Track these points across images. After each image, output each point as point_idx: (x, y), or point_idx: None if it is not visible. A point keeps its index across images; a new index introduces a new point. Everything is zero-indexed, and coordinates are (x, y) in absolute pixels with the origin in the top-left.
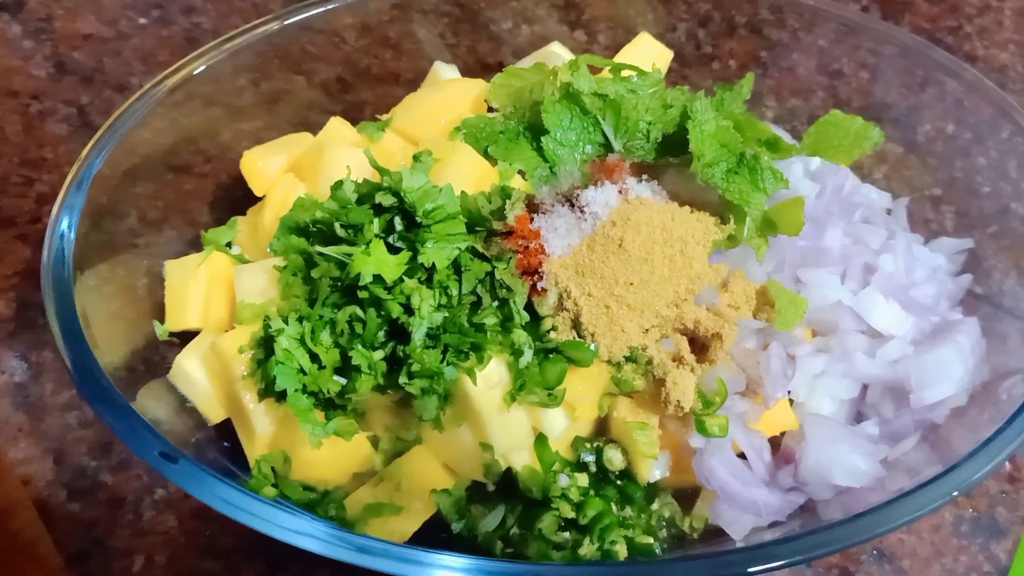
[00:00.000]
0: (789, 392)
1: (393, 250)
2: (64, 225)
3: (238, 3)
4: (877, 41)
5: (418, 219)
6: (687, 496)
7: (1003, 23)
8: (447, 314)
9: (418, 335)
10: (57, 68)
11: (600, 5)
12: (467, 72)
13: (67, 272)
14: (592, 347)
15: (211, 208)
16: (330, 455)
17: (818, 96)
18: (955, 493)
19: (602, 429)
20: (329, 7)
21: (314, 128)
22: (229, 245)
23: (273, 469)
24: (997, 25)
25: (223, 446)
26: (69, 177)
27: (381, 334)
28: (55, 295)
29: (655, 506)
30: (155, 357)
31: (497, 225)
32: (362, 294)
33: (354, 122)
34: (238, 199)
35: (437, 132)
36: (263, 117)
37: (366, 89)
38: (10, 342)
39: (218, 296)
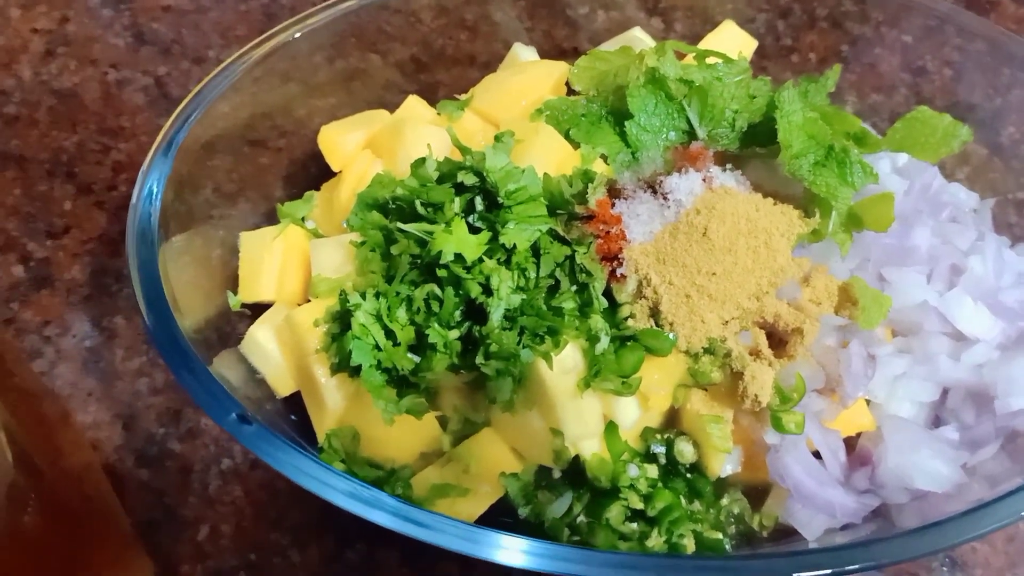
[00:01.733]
0: (867, 392)
1: (473, 230)
2: (153, 186)
3: None
4: (963, 35)
5: (500, 200)
6: (756, 493)
7: None
8: (525, 296)
9: (496, 316)
10: (136, 38)
11: None
12: (544, 56)
13: (152, 235)
14: (671, 336)
15: (285, 183)
16: (399, 433)
17: (900, 93)
18: None
19: (672, 421)
20: None
21: (389, 107)
22: (304, 219)
23: (342, 444)
24: None
25: (291, 419)
26: (157, 142)
27: (457, 313)
28: (140, 258)
29: (724, 501)
30: (227, 328)
31: (579, 209)
32: (441, 272)
33: (429, 102)
34: (313, 175)
35: (518, 114)
36: (339, 95)
37: (441, 70)
38: (84, 306)
39: (293, 269)
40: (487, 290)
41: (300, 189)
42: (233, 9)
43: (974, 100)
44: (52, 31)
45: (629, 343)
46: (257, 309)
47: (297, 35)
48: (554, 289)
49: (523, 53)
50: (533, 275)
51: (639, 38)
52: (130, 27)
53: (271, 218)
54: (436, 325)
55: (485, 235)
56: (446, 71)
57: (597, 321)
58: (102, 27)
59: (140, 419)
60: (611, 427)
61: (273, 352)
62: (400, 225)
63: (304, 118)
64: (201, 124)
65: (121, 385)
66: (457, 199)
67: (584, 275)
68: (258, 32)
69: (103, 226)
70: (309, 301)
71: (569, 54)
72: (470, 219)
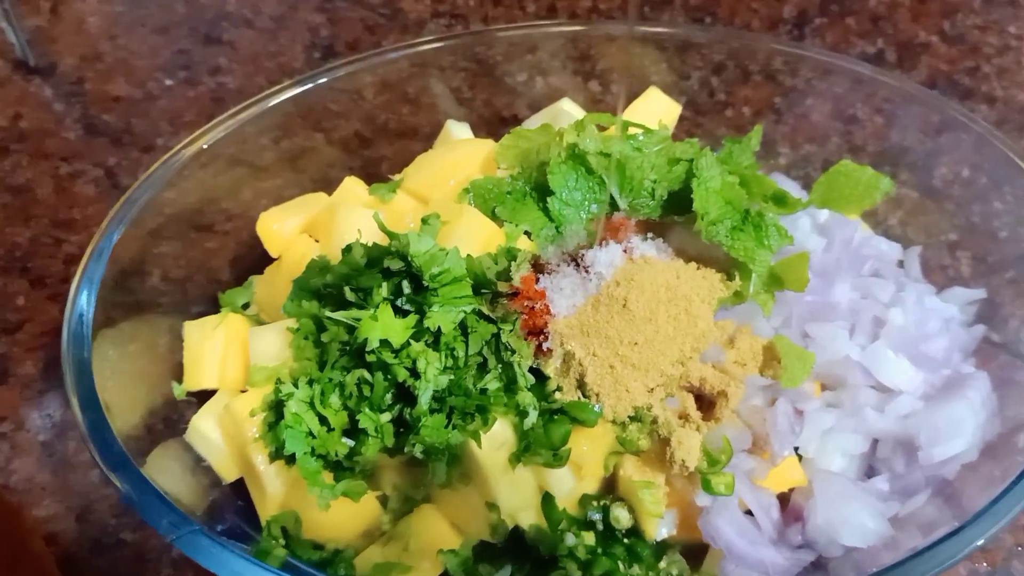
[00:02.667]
0: (798, 448)
1: (402, 312)
2: (83, 301)
3: (264, 63)
4: (890, 93)
5: (425, 282)
6: (696, 553)
7: (1022, 62)
8: (453, 376)
9: (424, 398)
10: (87, 130)
11: (614, 56)
12: (484, 125)
13: (84, 340)
14: (597, 407)
15: (232, 266)
16: (340, 515)
17: (833, 142)
18: (968, 551)
19: (610, 486)
20: (351, 67)
21: (334, 185)
22: (247, 306)
23: (285, 528)
24: (1016, 65)
25: (238, 504)
26: (89, 249)
27: (388, 397)
28: (75, 375)
29: (663, 564)
30: (174, 415)
31: (502, 287)
32: (370, 358)
33: (372, 178)
34: (259, 256)
35: (447, 192)
36: (285, 175)
37: (384, 144)
38: (37, 400)
39: (234, 357)
40: (415, 373)
41: (247, 271)
42: (182, 96)
43: (906, 144)
44: (6, 128)
45: (557, 416)
46: (204, 396)
47: (242, 120)
48: (483, 366)
49: (455, 130)
50: (462, 354)
51: (566, 110)
52: (81, 119)
53: (219, 303)
54: (367, 410)
55: (412, 318)
56: (389, 145)
57: (525, 396)
58: (54, 121)
59: (94, 510)
60: (547, 498)
61: (216, 440)
62: (328, 313)
63: (251, 200)
64: (146, 213)
65: (74, 477)
66: (385, 284)
67: (509, 353)
68: (207, 117)
69: (56, 319)
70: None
71: (509, 122)
72: (399, 302)
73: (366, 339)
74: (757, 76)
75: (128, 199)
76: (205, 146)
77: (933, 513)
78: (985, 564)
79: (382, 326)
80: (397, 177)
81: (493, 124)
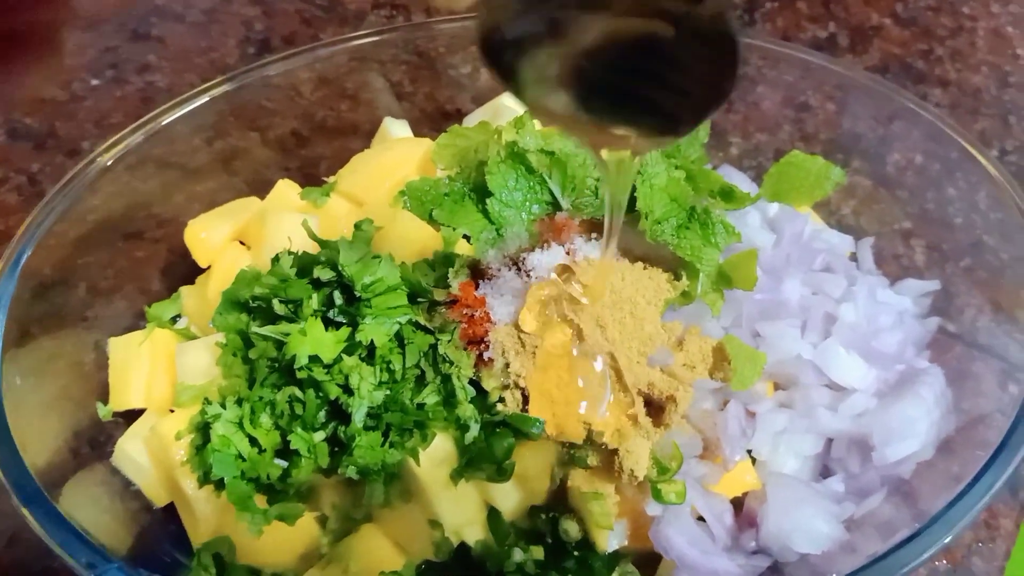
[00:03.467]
0: (751, 451)
1: (335, 325)
2: None
3: (194, 59)
4: (841, 81)
5: (357, 293)
6: (650, 561)
7: (976, 44)
8: (389, 392)
9: (358, 416)
10: (9, 135)
11: None
12: (427, 120)
13: None
14: (540, 420)
15: (163, 275)
16: (276, 538)
17: (784, 131)
18: (929, 555)
19: (558, 496)
20: (287, 63)
21: (269, 187)
22: (176, 319)
23: (218, 555)
24: (970, 47)
25: (171, 529)
26: (3, 260)
27: (322, 415)
28: None
29: (615, 575)
30: (101, 437)
31: (440, 295)
32: (301, 374)
33: (310, 179)
34: (193, 265)
35: (383, 194)
36: (217, 178)
37: (322, 143)
38: None
39: (161, 375)
40: (348, 390)
41: (181, 281)
42: (109, 96)
43: (858, 131)
44: None
45: (500, 429)
46: (132, 416)
47: (171, 119)
48: (421, 379)
49: (393, 128)
50: (398, 367)
51: (507, 106)
52: (3, 124)
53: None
54: (299, 429)
55: (345, 331)
56: (328, 144)
57: (465, 409)
58: None
59: (23, 535)
60: (493, 512)
61: (144, 464)
62: (255, 328)
63: (183, 204)
64: (68, 221)
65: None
66: (315, 295)
67: (447, 364)
68: (135, 118)
69: None
70: None
71: (452, 116)
72: (330, 314)
73: (295, 355)
74: None
75: (43, 208)
76: (126, 151)
77: (890, 513)
78: (945, 562)
79: (312, 341)
80: (332, 179)
81: (436, 119)
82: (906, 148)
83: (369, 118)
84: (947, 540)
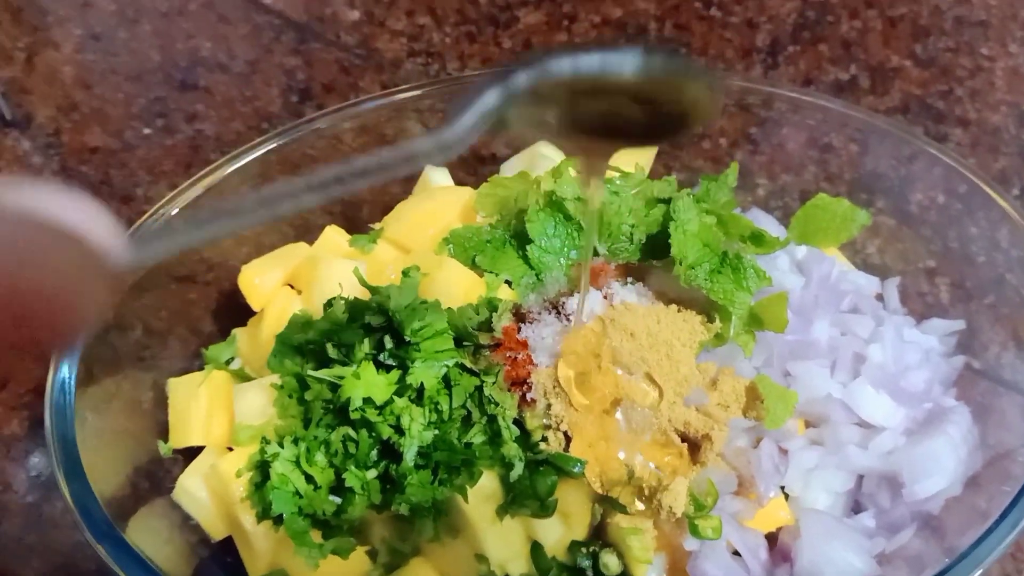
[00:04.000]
0: (784, 488)
1: (385, 368)
2: (64, 370)
3: (239, 108)
4: (861, 126)
5: (407, 337)
6: None
7: (995, 84)
8: (437, 431)
9: (409, 455)
10: (65, 182)
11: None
12: (463, 165)
13: (69, 422)
14: (582, 460)
15: (214, 317)
16: (329, 571)
17: (809, 171)
18: None
19: (599, 531)
20: (331, 118)
21: (314, 231)
22: (230, 360)
23: None
24: (989, 86)
25: (227, 562)
26: None
27: (374, 454)
28: (59, 446)
29: None
30: (160, 473)
31: (484, 338)
32: (354, 415)
33: (352, 223)
34: (242, 306)
35: (427, 241)
36: (263, 222)
37: (364, 189)
38: (23, 460)
39: (219, 415)
40: (399, 430)
41: (230, 322)
42: (159, 144)
43: (880, 171)
44: None
45: (543, 467)
46: (191, 452)
47: (230, 171)
48: (468, 420)
49: (434, 176)
50: (446, 408)
51: (543, 154)
52: (59, 172)
53: (202, 356)
54: (353, 467)
55: (395, 374)
56: (368, 189)
57: (510, 449)
58: (32, 174)
59: (79, 569)
60: (536, 547)
61: (203, 499)
62: (311, 372)
63: (231, 248)
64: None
65: (61, 538)
66: (367, 339)
67: (492, 405)
68: (184, 165)
69: (39, 376)
70: None
71: (487, 161)
72: (381, 357)
73: (350, 397)
74: (732, 108)
75: None
76: (183, 205)
77: (920, 547)
78: None
79: (365, 384)
80: (378, 226)
81: (472, 164)
82: (928, 188)
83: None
84: (976, 575)
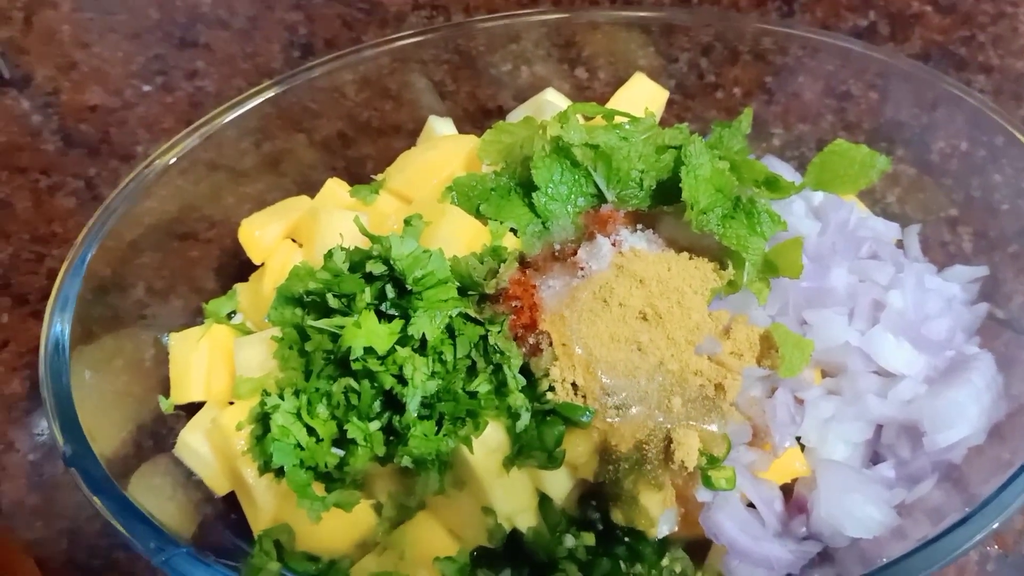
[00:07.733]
0: (800, 438)
1: (387, 318)
2: (58, 328)
3: (240, 64)
4: (882, 69)
5: (408, 286)
6: (699, 548)
7: (1018, 29)
8: (441, 382)
9: (412, 405)
10: (64, 141)
11: (600, 42)
12: (468, 118)
13: (64, 379)
14: (590, 408)
15: (216, 274)
16: (333, 525)
17: (827, 120)
18: (979, 538)
19: (609, 484)
20: (330, 66)
21: (317, 187)
22: (232, 315)
23: (278, 541)
24: (1012, 32)
25: (232, 518)
26: (65, 265)
27: (376, 405)
28: (54, 402)
29: (666, 562)
30: (163, 430)
31: (489, 288)
32: (355, 366)
33: (356, 178)
34: (244, 263)
35: (430, 191)
36: (265, 179)
37: (367, 143)
38: (25, 420)
39: (220, 369)
40: (402, 380)
41: (232, 279)
42: (159, 102)
43: (901, 119)
44: None
45: (550, 417)
46: (192, 409)
47: (220, 125)
48: (472, 368)
49: (438, 126)
50: (450, 358)
51: (550, 101)
52: (58, 131)
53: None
54: (355, 419)
55: (398, 323)
56: (372, 144)
57: (516, 399)
58: (31, 134)
59: (84, 532)
60: (544, 500)
61: (206, 455)
62: (311, 322)
63: (233, 205)
64: (124, 225)
65: (63, 498)
66: (368, 288)
67: (498, 355)
68: (185, 123)
69: (39, 336)
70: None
71: (494, 114)
72: (383, 307)
73: (350, 347)
74: (746, 56)
75: (104, 211)
76: (180, 155)
77: (941, 499)
78: (996, 546)
79: (366, 333)
80: (380, 177)
81: (478, 117)
82: (950, 135)
83: (412, 117)
84: (996, 525)
